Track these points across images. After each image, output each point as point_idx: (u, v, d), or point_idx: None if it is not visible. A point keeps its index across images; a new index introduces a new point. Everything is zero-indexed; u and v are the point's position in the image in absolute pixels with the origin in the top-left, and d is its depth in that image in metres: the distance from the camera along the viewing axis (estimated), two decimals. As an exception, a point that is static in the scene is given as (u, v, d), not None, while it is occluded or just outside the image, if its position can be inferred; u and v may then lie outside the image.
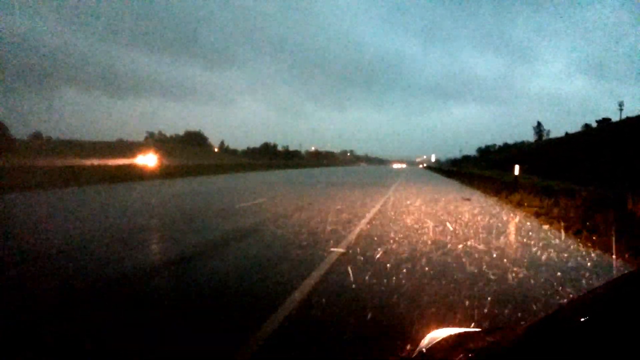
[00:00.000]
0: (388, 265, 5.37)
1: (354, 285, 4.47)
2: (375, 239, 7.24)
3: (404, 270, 5.12)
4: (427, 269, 5.24)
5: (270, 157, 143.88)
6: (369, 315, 3.55)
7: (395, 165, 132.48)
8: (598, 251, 6.66)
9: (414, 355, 0.94)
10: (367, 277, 4.75)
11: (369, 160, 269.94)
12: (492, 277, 4.93)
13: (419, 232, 8.05)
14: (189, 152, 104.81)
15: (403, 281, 4.65)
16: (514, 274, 5.06)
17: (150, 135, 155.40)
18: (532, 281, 4.80)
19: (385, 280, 4.64)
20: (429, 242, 7.01)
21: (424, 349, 0.92)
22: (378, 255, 5.92)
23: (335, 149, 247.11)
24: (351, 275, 4.85)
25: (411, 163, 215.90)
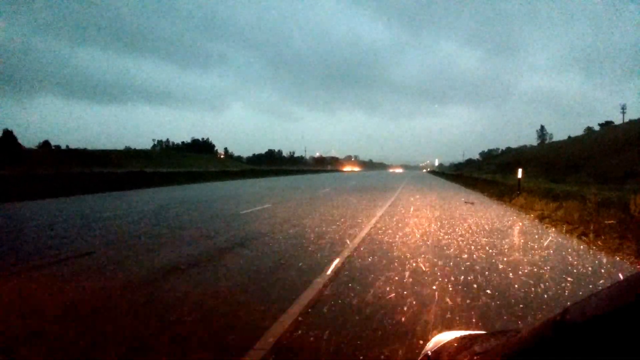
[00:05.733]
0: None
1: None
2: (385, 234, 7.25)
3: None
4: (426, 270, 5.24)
5: (275, 163, 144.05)
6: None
7: (391, 170, 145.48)
8: (603, 253, 6.63)
9: (419, 358, 0.94)
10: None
11: (372, 165, 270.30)
12: (492, 281, 4.92)
13: (418, 237, 8.03)
14: (199, 159, 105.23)
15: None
16: (518, 275, 5.06)
17: (158, 143, 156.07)
18: (536, 282, 4.78)
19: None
20: (428, 249, 7.00)
21: (429, 352, 0.92)
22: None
23: (340, 154, 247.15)
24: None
25: (414, 168, 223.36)
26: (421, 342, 3.00)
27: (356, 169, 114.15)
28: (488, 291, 4.49)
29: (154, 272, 5.27)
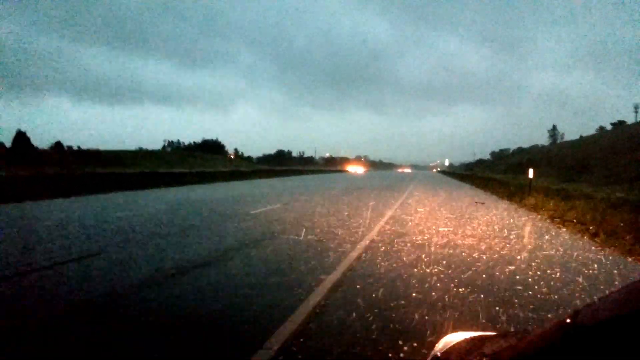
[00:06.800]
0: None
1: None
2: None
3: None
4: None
5: (285, 163, 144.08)
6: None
7: (400, 170, 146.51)
8: (616, 254, 6.55)
9: (428, 359, 0.93)
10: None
11: (381, 165, 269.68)
12: (500, 281, 4.88)
13: (428, 237, 7.99)
14: (209, 159, 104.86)
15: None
16: (528, 275, 5.01)
17: (169, 143, 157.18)
18: (546, 282, 4.73)
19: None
20: (432, 253, 6.96)
21: (438, 353, 0.92)
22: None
23: (349, 154, 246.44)
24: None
25: (423, 168, 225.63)
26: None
27: (361, 169, 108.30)
28: (496, 290, 4.46)
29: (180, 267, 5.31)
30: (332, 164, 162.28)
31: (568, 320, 0.62)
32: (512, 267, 5.60)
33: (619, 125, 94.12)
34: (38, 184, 20.40)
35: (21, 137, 65.58)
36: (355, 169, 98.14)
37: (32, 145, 67.79)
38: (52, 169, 39.51)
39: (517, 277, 5.12)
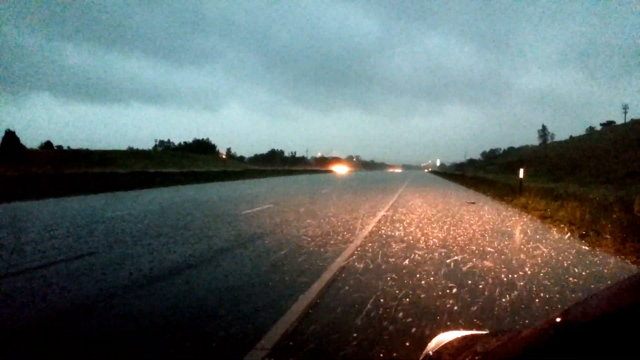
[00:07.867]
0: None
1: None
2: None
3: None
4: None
5: (277, 163, 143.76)
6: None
7: (390, 170, 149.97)
8: (605, 253, 6.61)
9: (421, 358, 0.94)
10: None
11: (373, 165, 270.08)
12: (492, 281, 4.91)
13: (419, 236, 8.02)
14: (201, 159, 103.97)
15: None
16: (519, 275, 5.05)
17: (160, 143, 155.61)
18: (537, 281, 4.77)
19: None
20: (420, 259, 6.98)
21: (430, 352, 0.92)
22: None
23: (342, 154, 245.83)
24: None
25: (415, 168, 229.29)
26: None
27: (345, 169, 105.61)
28: (488, 292, 4.49)
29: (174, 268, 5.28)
30: (323, 164, 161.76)
31: (559, 319, 0.62)
32: (507, 268, 5.63)
33: (608, 125, 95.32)
34: (27, 184, 20.23)
35: (10, 137, 64.77)
36: (341, 169, 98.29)
37: (22, 145, 66.98)
38: (42, 169, 39.09)
39: (510, 277, 5.15)
